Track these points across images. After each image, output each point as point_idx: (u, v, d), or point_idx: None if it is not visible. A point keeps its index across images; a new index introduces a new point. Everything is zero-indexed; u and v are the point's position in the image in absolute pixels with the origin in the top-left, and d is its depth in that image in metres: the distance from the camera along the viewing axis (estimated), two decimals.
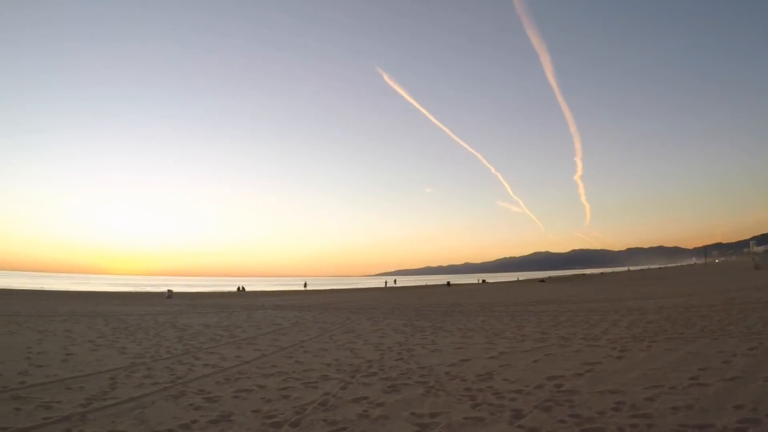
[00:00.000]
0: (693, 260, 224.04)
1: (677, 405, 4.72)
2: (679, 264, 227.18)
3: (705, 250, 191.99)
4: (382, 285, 77.21)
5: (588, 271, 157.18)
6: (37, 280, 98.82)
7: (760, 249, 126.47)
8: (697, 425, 4.14)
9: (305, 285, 72.88)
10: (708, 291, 22.42)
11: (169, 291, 38.46)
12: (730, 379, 5.58)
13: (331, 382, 6.54)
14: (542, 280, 67.55)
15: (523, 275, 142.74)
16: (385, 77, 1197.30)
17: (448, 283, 72.30)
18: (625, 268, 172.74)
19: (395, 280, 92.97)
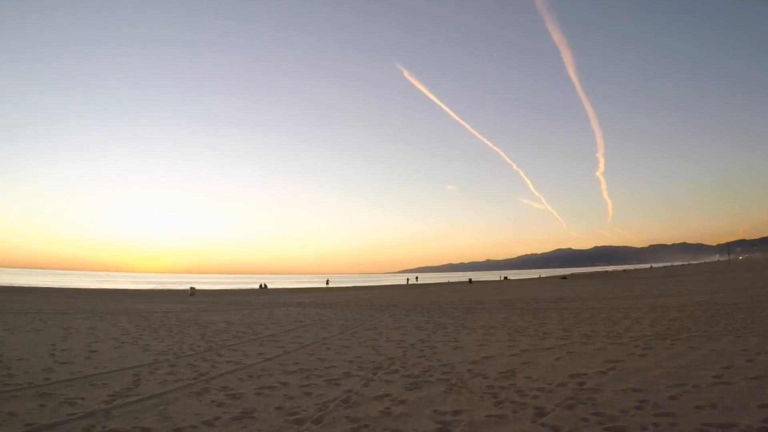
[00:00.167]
0: (716, 257, 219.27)
1: (701, 404, 4.68)
2: (702, 261, 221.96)
3: (728, 247, 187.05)
4: (404, 282, 77.36)
5: (610, 268, 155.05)
6: (60, 278, 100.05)
7: None
8: (720, 424, 4.10)
9: (327, 282, 73.40)
10: (731, 288, 21.97)
11: (192, 288, 39.14)
12: (754, 378, 5.52)
13: (353, 380, 6.57)
14: (564, 277, 66.93)
15: (544, 272, 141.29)
16: (406, 74, 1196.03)
17: (470, 280, 72.05)
18: (648, 265, 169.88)
19: (417, 278, 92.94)
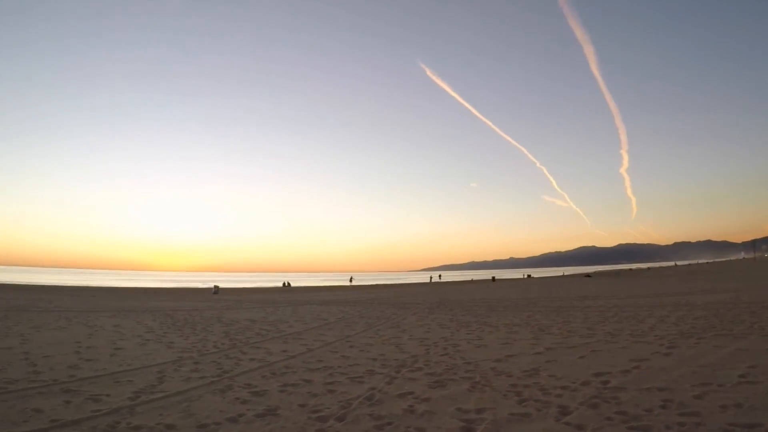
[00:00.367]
0: (742, 254, 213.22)
1: (726, 403, 4.66)
2: (727, 258, 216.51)
3: (754, 244, 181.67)
4: (427, 280, 77.33)
5: (634, 266, 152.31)
6: (85, 277, 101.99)
7: None
8: (746, 424, 4.08)
9: (351, 280, 73.70)
10: (757, 286, 21.55)
11: (216, 287, 39.58)
12: None
13: (377, 377, 6.61)
14: (588, 275, 66.07)
15: (568, 270, 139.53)
16: (428, 72, 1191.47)
17: (493, 278, 71.54)
18: (672, 263, 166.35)
19: (440, 275, 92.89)
